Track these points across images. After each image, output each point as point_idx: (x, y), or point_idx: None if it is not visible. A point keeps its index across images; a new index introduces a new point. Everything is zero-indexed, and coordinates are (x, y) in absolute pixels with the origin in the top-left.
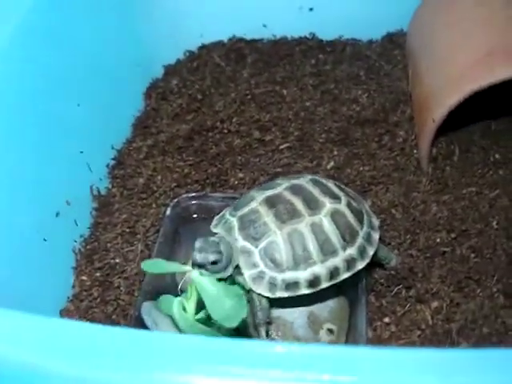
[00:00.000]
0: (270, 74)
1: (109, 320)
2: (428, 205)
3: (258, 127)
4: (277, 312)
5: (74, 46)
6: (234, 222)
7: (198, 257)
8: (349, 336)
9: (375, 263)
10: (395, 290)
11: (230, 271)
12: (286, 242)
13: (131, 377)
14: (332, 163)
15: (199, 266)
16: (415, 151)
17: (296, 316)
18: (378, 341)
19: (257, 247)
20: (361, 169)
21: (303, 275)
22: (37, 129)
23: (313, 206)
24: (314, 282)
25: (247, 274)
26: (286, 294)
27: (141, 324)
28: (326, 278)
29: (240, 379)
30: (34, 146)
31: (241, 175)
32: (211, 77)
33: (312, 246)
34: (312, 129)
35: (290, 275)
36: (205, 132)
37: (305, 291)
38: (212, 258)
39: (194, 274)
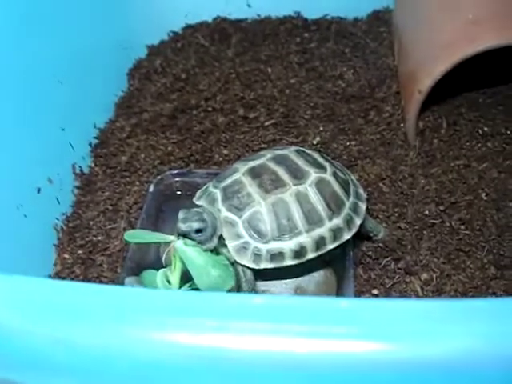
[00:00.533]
0: (255, 52)
1: None
2: (416, 178)
3: (242, 105)
4: (263, 285)
5: (57, 24)
6: (218, 193)
7: (182, 226)
8: None
9: (363, 235)
10: (383, 262)
11: (215, 242)
12: (270, 211)
13: (104, 332)
14: (318, 138)
15: (184, 235)
16: (402, 125)
17: (282, 289)
18: None
19: (240, 217)
20: (347, 144)
21: (288, 245)
22: (17, 104)
23: (297, 175)
24: (299, 252)
25: (231, 245)
26: (270, 265)
27: None
28: (312, 249)
29: (217, 332)
30: (15, 122)
31: (225, 152)
32: (196, 56)
33: (297, 215)
34: (297, 105)
35: (274, 245)
36: (189, 110)
37: (290, 262)
38: (196, 225)
39: (179, 243)
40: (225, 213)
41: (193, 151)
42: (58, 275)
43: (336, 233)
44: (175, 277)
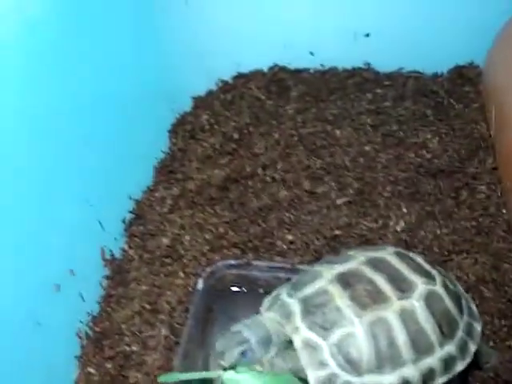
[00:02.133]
0: (319, 110)
1: None
2: None
3: (307, 176)
4: None
5: (85, 72)
6: (295, 304)
7: (223, 362)
8: None
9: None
10: None
11: (272, 351)
12: (368, 334)
13: None
14: (402, 223)
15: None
16: (504, 211)
17: None
18: None
19: (326, 340)
20: (437, 232)
21: (389, 380)
22: (32, 175)
23: (402, 286)
24: None
25: (312, 375)
26: None
27: None
28: None
29: None
30: (27, 199)
31: (290, 237)
32: (249, 112)
33: (402, 340)
34: (374, 179)
35: (371, 379)
36: (243, 180)
37: None
38: (237, 352)
39: (227, 375)
40: (305, 332)
41: (250, 235)
42: None
43: (448, 363)
44: None
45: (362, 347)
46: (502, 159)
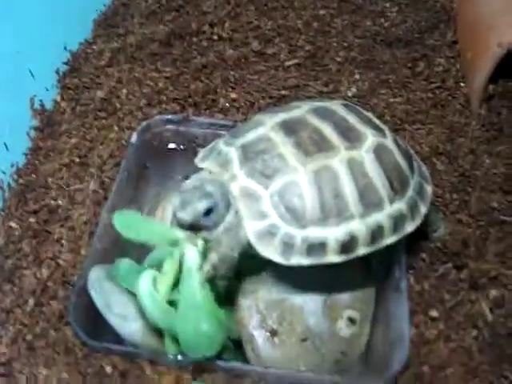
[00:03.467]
0: None
1: (42, 287)
2: (479, 156)
3: (257, 36)
4: (281, 292)
5: None
6: (233, 152)
7: (184, 214)
8: (377, 329)
9: (416, 230)
10: (442, 269)
11: (228, 222)
12: (312, 183)
13: None
14: (354, 90)
15: (190, 227)
16: (462, 85)
17: (307, 299)
18: (420, 342)
19: (267, 188)
20: (391, 100)
21: (334, 234)
22: None
23: (350, 136)
24: (348, 245)
25: (250, 226)
26: (306, 262)
27: (86, 298)
28: (365, 242)
29: None
30: None
31: (234, 95)
32: None
33: (349, 191)
34: (327, 44)
35: (314, 233)
36: (188, 37)
37: (333, 258)
38: (202, 206)
39: (190, 256)
40: (244, 180)
41: (191, 91)
42: (0, 252)
43: (398, 222)
44: (165, 283)
45: (306, 197)
46: (465, 30)
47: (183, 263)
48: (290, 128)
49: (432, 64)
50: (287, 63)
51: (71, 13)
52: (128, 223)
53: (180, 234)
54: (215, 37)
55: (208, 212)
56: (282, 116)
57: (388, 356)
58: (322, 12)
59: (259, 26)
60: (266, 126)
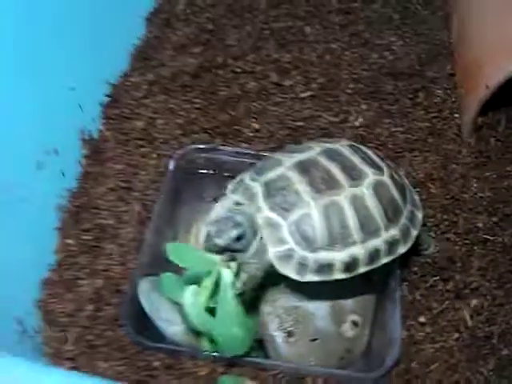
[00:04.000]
0: (292, 6)
1: (98, 295)
2: (468, 180)
3: (276, 68)
4: (296, 300)
5: None
6: (258, 187)
7: (220, 241)
8: (375, 331)
9: (410, 249)
10: (431, 281)
11: (255, 247)
12: (322, 215)
13: None
14: (361, 119)
15: (224, 250)
16: (456, 115)
17: (318, 305)
18: (410, 343)
19: (286, 219)
20: (393, 129)
21: (339, 256)
22: (17, 57)
23: (353, 175)
24: (350, 265)
25: (273, 251)
26: (316, 278)
27: (136, 305)
28: (365, 262)
29: None
30: (12, 79)
31: (256, 126)
32: (224, 4)
33: (352, 222)
34: (338, 76)
35: (323, 255)
36: (214, 69)
37: (339, 276)
38: (234, 233)
39: (226, 276)
40: (267, 212)
41: (219, 122)
42: (59, 265)
43: (392, 245)
44: (205, 293)
45: (317, 226)
46: (460, 67)
47: (220, 280)
48: (304, 168)
49: (431, 95)
50: (302, 95)
51: (111, 47)
52: (178, 253)
53: (217, 258)
54: (238, 70)
55: (238, 238)
56: (297, 157)
57: (383, 354)
58: (333, 46)
59: (278, 59)
60: (284, 166)
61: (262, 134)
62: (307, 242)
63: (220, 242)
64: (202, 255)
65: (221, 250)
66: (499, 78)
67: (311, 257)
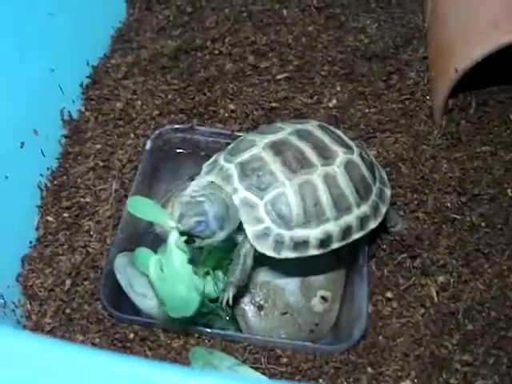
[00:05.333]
0: None
1: (76, 270)
2: (438, 161)
3: (253, 51)
4: (267, 276)
5: None
6: (232, 168)
7: (180, 225)
8: (344, 306)
9: (378, 226)
10: (399, 258)
11: (223, 234)
12: (297, 194)
13: None
14: (334, 101)
15: (186, 234)
16: (428, 98)
17: (288, 281)
18: (377, 318)
19: (262, 199)
20: (366, 111)
21: (314, 233)
22: (0, 42)
23: (325, 154)
24: (325, 241)
25: (249, 230)
26: (292, 255)
27: (113, 279)
28: (338, 238)
29: None
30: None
31: (232, 107)
32: None
33: (325, 200)
34: (313, 58)
35: (299, 233)
36: (193, 51)
37: (314, 252)
38: (193, 221)
39: (172, 237)
40: (243, 192)
41: (196, 103)
42: (40, 242)
43: (363, 221)
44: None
45: (292, 205)
46: (432, 50)
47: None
48: (277, 149)
49: (404, 77)
50: (278, 76)
51: (92, 29)
52: (138, 205)
53: (171, 222)
54: (216, 51)
55: (200, 224)
56: (270, 138)
57: (351, 328)
58: (309, 28)
59: (255, 42)
60: (258, 147)
61: (238, 115)
62: (283, 220)
63: (180, 226)
64: (161, 209)
65: (184, 234)
66: (467, 63)
67: (287, 234)
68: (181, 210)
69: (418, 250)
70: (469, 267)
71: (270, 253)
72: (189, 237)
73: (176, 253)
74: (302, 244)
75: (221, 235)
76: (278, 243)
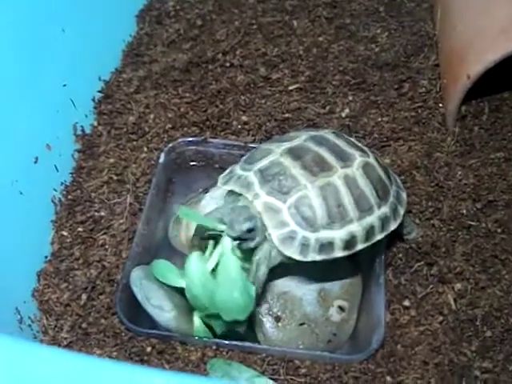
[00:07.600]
0: (279, 0)
1: (92, 285)
2: (452, 168)
3: (264, 62)
4: (284, 287)
5: None
6: (251, 175)
7: (232, 232)
8: (361, 316)
9: (394, 234)
10: (415, 266)
11: (261, 238)
12: (319, 196)
13: None
14: (347, 110)
15: (236, 239)
16: (440, 105)
17: (305, 291)
18: (395, 326)
19: (285, 203)
20: (379, 119)
21: (339, 234)
22: (12, 58)
23: (343, 157)
24: (349, 242)
25: (275, 234)
26: (318, 257)
27: (129, 293)
28: (362, 239)
29: None
30: (9, 79)
31: (244, 118)
32: (213, 0)
33: (347, 201)
34: (325, 68)
35: (324, 234)
36: (204, 64)
37: (340, 253)
38: (245, 227)
39: (226, 243)
40: (265, 197)
41: (208, 115)
42: (55, 257)
43: (384, 222)
44: (212, 262)
45: (316, 207)
46: (443, 57)
47: (221, 248)
48: (295, 154)
49: (416, 85)
50: (290, 87)
51: (103, 44)
52: (189, 215)
53: (222, 226)
54: (227, 64)
55: (250, 231)
56: (286, 145)
57: (369, 337)
58: (320, 39)
59: (265, 53)
60: (276, 153)
61: (251, 127)
62: (308, 222)
63: (231, 232)
64: (209, 220)
65: (236, 239)
66: (479, 69)
67: (312, 236)
68: (229, 217)
69: (434, 257)
70: (486, 273)
71: (296, 256)
72: (240, 241)
73: (231, 259)
74: (327, 246)
75: (258, 241)
76: (304, 246)
